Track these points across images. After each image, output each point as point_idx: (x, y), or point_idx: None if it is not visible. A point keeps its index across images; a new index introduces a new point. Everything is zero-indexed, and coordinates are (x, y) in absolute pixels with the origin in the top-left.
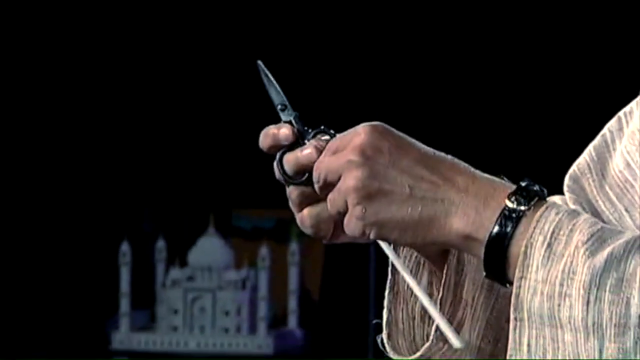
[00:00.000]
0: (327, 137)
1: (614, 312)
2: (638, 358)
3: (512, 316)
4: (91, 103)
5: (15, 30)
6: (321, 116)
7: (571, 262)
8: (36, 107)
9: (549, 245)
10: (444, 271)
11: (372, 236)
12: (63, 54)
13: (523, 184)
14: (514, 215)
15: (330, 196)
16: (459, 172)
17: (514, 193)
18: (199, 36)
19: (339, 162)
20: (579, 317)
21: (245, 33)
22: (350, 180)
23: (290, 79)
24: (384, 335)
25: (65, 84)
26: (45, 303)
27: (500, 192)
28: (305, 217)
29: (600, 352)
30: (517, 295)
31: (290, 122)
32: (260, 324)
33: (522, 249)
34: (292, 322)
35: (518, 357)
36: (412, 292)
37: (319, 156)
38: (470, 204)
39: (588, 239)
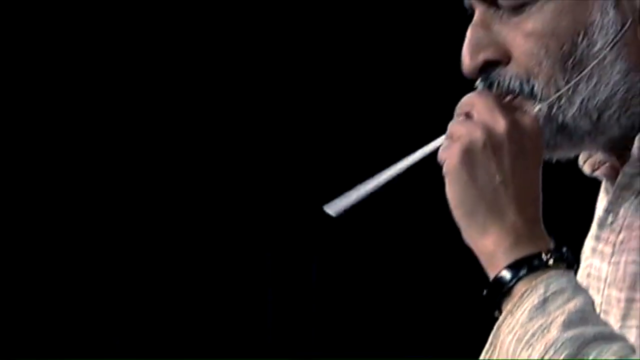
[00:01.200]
0: None
1: None
2: None
3: (490, 338)
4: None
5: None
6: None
7: (550, 322)
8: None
9: (545, 300)
10: None
11: (443, 169)
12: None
13: (562, 248)
14: (536, 263)
15: (454, 125)
16: (536, 207)
17: (551, 251)
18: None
19: (483, 117)
20: None
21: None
22: (470, 136)
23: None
24: None
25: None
26: None
27: (541, 244)
28: None
29: None
30: (499, 326)
31: None
32: None
33: (522, 290)
34: None
35: None
36: None
37: None
38: (517, 234)
39: (575, 312)
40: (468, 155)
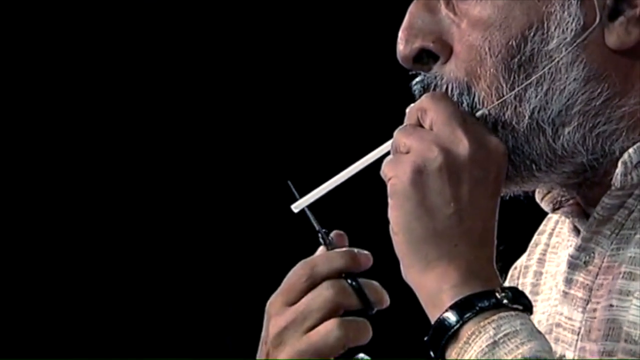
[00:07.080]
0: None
1: None
2: None
3: None
4: None
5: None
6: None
7: None
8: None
9: (495, 343)
10: None
11: (388, 186)
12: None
13: (517, 290)
14: (486, 303)
15: (404, 135)
16: (490, 243)
17: (505, 290)
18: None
19: (441, 133)
20: None
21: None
22: (424, 154)
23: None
24: None
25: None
26: None
27: (493, 283)
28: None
29: None
30: None
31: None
32: None
33: (469, 333)
34: None
35: None
36: None
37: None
38: (466, 271)
39: (530, 358)
40: (420, 176)
